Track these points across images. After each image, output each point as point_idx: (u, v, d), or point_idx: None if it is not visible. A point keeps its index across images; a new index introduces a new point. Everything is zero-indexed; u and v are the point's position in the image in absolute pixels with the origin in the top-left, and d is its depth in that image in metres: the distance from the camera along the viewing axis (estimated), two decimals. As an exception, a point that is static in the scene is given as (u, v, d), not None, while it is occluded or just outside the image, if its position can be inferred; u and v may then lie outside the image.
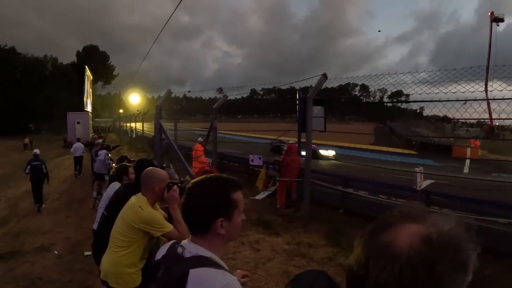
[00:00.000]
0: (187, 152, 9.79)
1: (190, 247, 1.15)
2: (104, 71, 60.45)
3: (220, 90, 9.85)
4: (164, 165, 6.76)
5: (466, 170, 16.99)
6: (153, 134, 11.50)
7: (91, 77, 40.15)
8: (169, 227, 2.19)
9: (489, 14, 39.51)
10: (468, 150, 22.67)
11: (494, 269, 4.10)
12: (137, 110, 23.07)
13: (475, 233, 0.54)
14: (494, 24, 38.72)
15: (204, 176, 1.26)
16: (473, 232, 0.55)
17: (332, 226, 5.76)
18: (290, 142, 7.58)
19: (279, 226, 6.02)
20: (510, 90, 5.01)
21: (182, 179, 6.28)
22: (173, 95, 8.93)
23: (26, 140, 29.03)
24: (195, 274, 1.05)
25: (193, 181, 1.24)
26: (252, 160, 7.90)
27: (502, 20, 39.68)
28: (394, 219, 0.58)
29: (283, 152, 7.65)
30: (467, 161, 19.13)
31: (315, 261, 4.62)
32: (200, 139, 9.76)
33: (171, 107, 13.69)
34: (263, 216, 6.47)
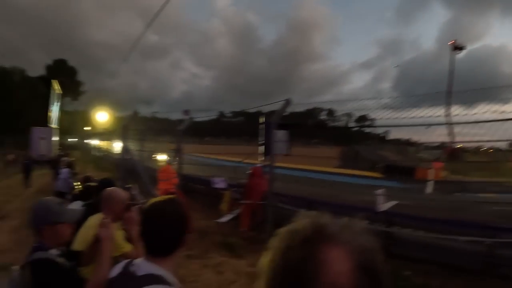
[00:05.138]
0: (152, 173, 9.68)
1: (143, 266, 1.20)
2: (72, 86, 57.76)
3: (186, 112, 9.81)
4: (130, 185, 6.73)
5: (429, 190, 17.10)
6: (118, 153, 11.20)
7: (60, 92, 38.73)
8: (128, 247, 2.19)
9: (451, 42, 39.43)
10: (431, 171, 23.45)
11: (455, 283, 4.49)
12: (104, 129, 22.27)
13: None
14: (454, 52, 38.94)
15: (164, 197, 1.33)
16: None
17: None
18: (256, 165, 7.62)
19: (242, 249, 5.98)
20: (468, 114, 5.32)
21: (145, 200, 6.25)
22: (140, 115, 8.93)
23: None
24: None
25: (152, 202, 1.27)
26: (216, 183, 7.85)
27: (463, 48, 39.56)
28: None
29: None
30: (431, 182, 19.82)
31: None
32: (168, 160, 9.60)
33: (137, 127, 13.51)
34: (227, 238, 6.40)
